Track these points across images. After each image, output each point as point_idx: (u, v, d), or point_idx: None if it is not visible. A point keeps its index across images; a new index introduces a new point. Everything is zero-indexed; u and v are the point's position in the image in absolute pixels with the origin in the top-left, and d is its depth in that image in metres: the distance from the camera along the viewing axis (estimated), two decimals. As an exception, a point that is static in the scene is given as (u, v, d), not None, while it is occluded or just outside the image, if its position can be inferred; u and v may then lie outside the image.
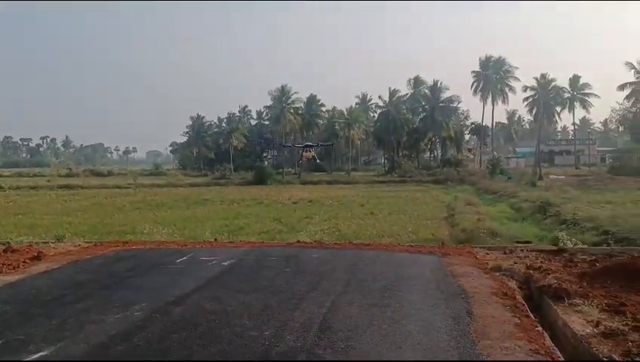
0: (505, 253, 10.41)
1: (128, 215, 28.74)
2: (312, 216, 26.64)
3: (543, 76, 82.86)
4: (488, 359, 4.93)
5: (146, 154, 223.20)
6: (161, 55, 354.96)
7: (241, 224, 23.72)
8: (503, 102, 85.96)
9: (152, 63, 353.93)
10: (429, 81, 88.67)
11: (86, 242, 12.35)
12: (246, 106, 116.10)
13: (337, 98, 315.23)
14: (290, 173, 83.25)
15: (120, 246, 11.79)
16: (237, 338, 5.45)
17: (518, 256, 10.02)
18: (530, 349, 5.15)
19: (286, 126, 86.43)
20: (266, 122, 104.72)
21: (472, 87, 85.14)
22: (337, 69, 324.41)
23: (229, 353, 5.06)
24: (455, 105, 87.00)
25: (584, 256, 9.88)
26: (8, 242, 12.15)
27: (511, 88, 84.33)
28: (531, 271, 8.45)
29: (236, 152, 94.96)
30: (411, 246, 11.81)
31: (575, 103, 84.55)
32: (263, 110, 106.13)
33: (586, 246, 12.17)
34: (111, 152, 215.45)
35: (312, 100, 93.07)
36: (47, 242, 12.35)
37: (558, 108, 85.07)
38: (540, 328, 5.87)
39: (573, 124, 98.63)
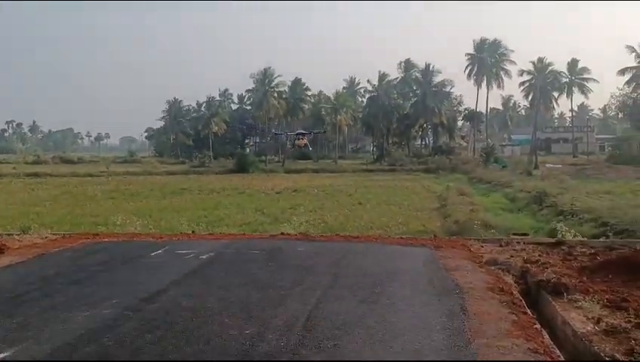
0: (500, 246, 10.41)
1: (100, 205, 28.58)
2: (296, 206, 26.65)
3: (540, 60, 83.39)
4: (484, 359, 4.88)
5: (120, 140, 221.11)
6: (134, 31, 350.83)
7: (221, 215, 23.70)
8: (498, 86, 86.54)
9: (125, 38, 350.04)
10: (421, 64, 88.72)
11: (54, 234, 12.13)
12: (227, 90, 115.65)
13: (324, 82, 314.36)
14: (273, 161, 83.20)
15: (90, 238, 11.61)
16: (215, 337, 5.35)
17: (514, 249, 10.02)
18: (529, 348, 5.11)
19: (269, 111, 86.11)
20: (248, 107, 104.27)
21: (465, 70, 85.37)
22: (324, 50, 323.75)
23: (207, 354, 4.95)
24: (448, 89, 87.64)
25: (584, 249, 9.90)
26: (-32, 234, 11.92)
27: (506, 72, 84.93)
28: (528, 265, 8.45)
29: (216, 139, 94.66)
30: (402, 238, 11.77)
31: (573, 88, 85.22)
32: (244, 94, 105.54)
33: (585, 238, 12.21)
34: (82, 138, 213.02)
35: (296, 84, 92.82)
36: (12, 234, 12.10)
37: (556, 94, 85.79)
38: (538, 325, 5.85)
39: (571, 110, 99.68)
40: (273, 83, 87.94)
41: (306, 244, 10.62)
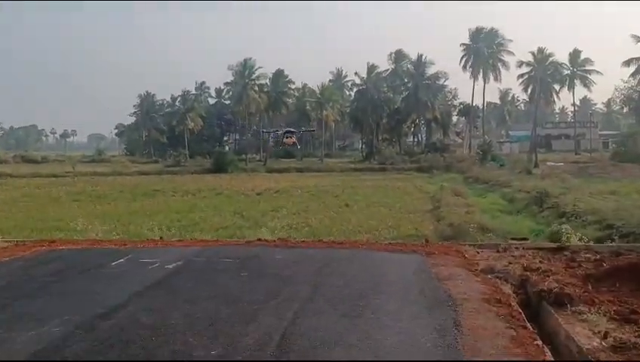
0: (498, 252, 10.28)
1: (64, 208, 28.28)
2: (278, 208, 26.56)
3: (540, 50, 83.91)
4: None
5: (88, 137, 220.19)
6: (104, 20, 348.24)
7: (195, 218, 23.55)
8: (496, 79, 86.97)
9: (92, 31, 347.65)
10: (413, 55, 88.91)
11: (6, 241, 11.79)
12: (203, 83, 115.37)
13: (308, 74, 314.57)
14: (254, 160, 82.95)
15: (46, 245, 11.29)
16: (177, 359, 5.11)
17: (512, 255, 9.88)
18: (529, 367, 4.94)
19: (250, 105, 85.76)
20: (227, 101, 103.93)
21: (460, 61, 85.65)
22: (308, 40, 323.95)
23: (166, 379, 4.70)
24: (442, 82, 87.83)
25: (588, 255, 9.78)
26: None
27: (504, 64, 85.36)
28: (528, 273, 8.30)
29: (192, 136, 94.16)
30: (391, 244, 11.61)
31: (575, 81, 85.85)
32: (223, 87, 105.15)
33: (591, 243, 12.12)
34: (46, 135, 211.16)
35: (279, 76, 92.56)
36: (-42, 242, 11.74)
37: (557, 87, 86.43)
38: (539, 341, 5.69)
39: (573, 104, 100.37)
40: (254, 75, 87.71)
41: (284, 251, 10.42)
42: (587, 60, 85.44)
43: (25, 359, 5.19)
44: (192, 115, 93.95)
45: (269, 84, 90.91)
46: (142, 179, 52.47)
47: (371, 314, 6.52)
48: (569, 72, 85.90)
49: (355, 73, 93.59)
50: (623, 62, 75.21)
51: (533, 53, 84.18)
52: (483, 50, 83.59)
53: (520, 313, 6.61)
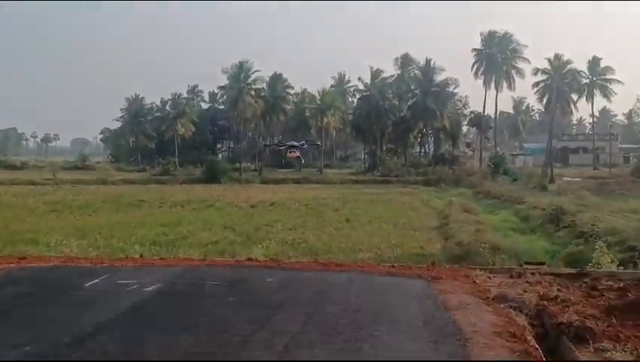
0: (511, 277, 10.06)
1: (41, 219, 28.04)
2: (273, 223, 26.48)
3: (557, 57, 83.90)
4: None
5: (71, 142, 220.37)
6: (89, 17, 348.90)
7: (183, 232, 23.49)
8: (509, 87, 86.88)
9: (77, 28, 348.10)
10: (421, 59, 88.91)
11: (-29, 258, 11.54)
12: (196, 86, 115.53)
13: (308, 78, 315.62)
14: (249, 169, 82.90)
15: (15, 262, 11.03)
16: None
17: (527, 282, 9.67)
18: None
19: (245, 111, 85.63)
20: (221, 106, 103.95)
21: (472, 68, 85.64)
22: (310, 42, 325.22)
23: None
24: (451, 89, 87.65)
25: (610, 283, 9.54)
26: None
27: (518, 71, 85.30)
28: (545, 303, 8.11)
29: (183, 142, 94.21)
30: (394, 266, 11.36)
31: (594, 91, 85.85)
32: (217, 91, 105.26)
33: (616, 268, 11.92)
34: (27, 139, 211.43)
35: (276, 80, 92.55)
36: None
37: (575, 97, 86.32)
38: (558, 384, 5.44)
39: (592, 115, 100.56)
40: (250, 79, 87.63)
41: (277, 273, 10.19)
42: (607, 69, 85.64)
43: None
44: (183, 120, 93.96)
45: (266, 88, 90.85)
46: (127, 189, 52.51)
47: (370, 348, 6.30)
48: (588, 80, 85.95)
49: (359, 78, 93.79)
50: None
51: (549, 60, 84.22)
52: (496, 56, 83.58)
53: (537, 349, 6.39)
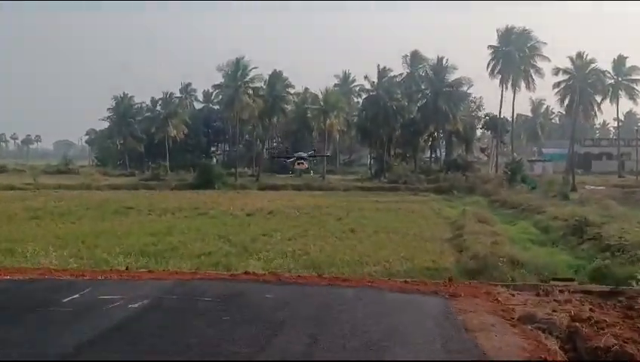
0: (538, 295, 9.91)
1: (20, 227, 27.91)
2: (271, 233, 26.26)
3: (580, 56, 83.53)
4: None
5: (54, 144, 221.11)
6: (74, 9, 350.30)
7: (174, 242, 23.23)
8: (527, 87, 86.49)
9: (63, 26, 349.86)
10: (432, 57, 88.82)
11: (-60, 269, 11.35)
12: (189, 85, 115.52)
13: (311, 77, 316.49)
14: (245, 174, 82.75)
15: (-12, 274, 10.85)
16: None
17: (556, 300, 9.54)
18: None
19: (242, 111, 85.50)
20: (216, 106, 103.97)
21: (488, 67, 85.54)
22: (311, 38, 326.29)
23: None
24: (465, 89, 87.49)
25: (646, 301, 9.33)
26: None
27: (537, 70, 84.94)
28: (578, 324, 7.93)
29: (174, 145, 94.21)
30: (406, 282, 11.16)
31: (620, 92, 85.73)
32: (211, 90, 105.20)
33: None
34: (6, 141, 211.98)
35: (276, 78, 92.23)
36: None
37: (598, 98, 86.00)
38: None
39: (617, 119, 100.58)
40: (247, 77, 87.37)
41: (276, 289, 10.08)
42: (634, 68, 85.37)
43: None
44: (174, 121, 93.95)
45: (264, 87, 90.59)
46: (114, 194, 52.28)
47: (383, 375, 6.08)
48: (612, 81, 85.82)
49: (365, 77, 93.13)
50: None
51: (571, 59, 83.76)
52: (514, 54, 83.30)
53: (571, 377, 6.17)
